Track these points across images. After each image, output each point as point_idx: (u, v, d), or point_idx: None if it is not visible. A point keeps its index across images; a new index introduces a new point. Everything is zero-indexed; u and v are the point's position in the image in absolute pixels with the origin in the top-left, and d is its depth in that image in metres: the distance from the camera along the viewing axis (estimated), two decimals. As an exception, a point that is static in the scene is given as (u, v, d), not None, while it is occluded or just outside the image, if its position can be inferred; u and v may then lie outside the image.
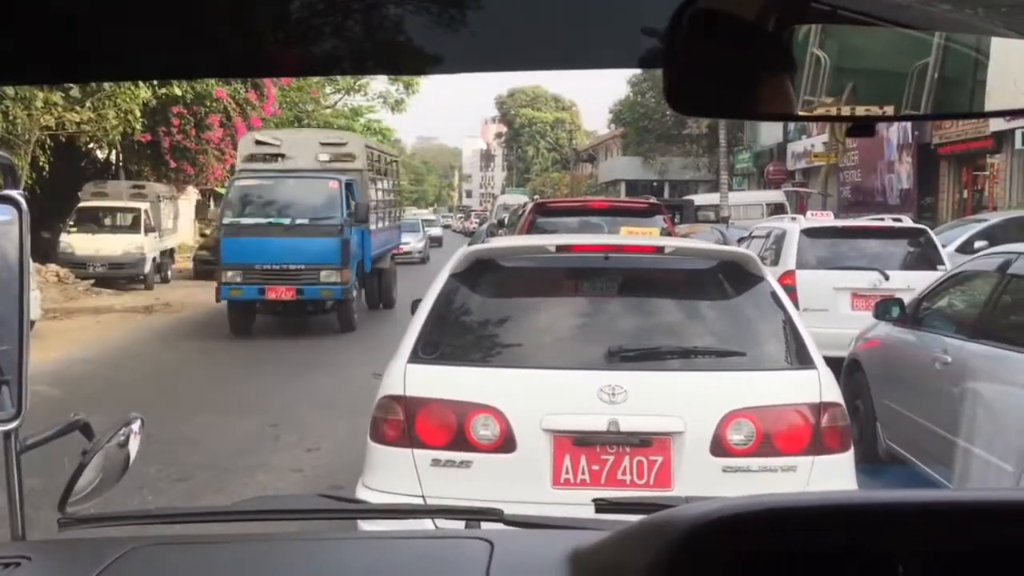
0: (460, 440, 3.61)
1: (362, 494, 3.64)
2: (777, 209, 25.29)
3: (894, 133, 26.18)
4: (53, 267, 20.05)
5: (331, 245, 13.80)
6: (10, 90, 15.62)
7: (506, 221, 22.74)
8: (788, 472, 3.57)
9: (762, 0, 1.05)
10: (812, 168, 31.96)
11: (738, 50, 1.03)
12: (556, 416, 3.60)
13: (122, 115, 19.84)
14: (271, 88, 26.59)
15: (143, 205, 22.68)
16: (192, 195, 31.68)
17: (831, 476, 3.59)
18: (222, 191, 22.25)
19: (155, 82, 19.36)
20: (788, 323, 3.91)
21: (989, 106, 1.13)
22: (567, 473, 3.57)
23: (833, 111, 1.11)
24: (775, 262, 9.81)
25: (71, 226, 21.71)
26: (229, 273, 13.70)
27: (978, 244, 12.36)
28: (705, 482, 3.49)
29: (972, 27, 1.11)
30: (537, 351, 3.92)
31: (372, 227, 15.63)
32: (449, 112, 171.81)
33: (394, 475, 3.66)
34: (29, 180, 19.06)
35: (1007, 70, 1.09)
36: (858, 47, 1.11)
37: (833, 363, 4.21)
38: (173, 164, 26.09)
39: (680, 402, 3.65)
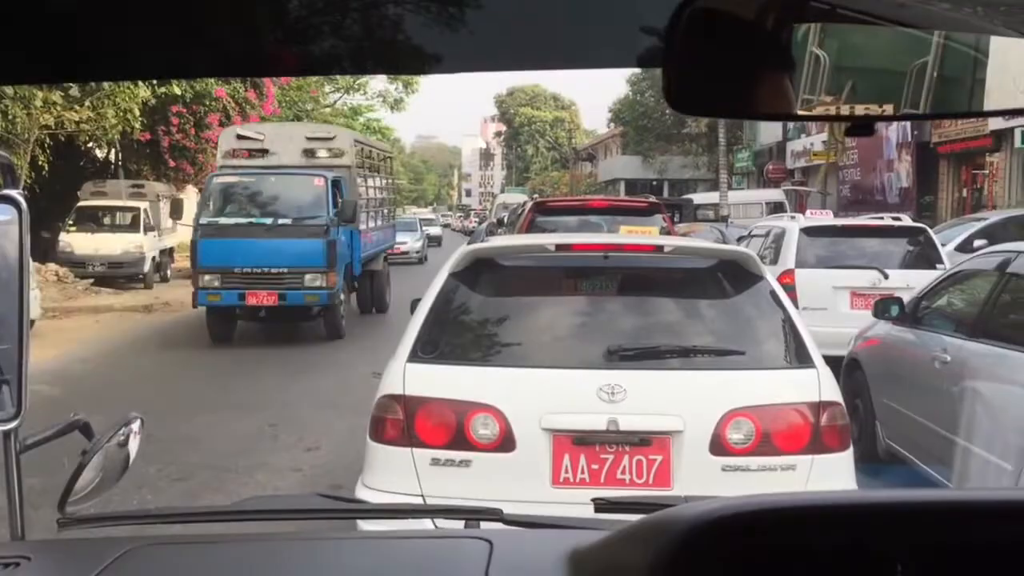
0: (459, 439, 3.61)
1: (361, 493, 3.65)
2: (776, 208, 25.34)
3: (893, 132, 26.20)
4: (52, 266, 20.04)
5: (316, 247, 12.96)
6: (9, 89, 15.61)
7: (505, 220, 22.68)
8: (787, 471, 3.57)
9: (761, -1, 1.05)
10: (811, 167, 32.00)
11: (737, 49, 1.03)
12: (555, 415, 3.60)
13: (121, 114, 19.82)
14: (270, 87, 26.57)
15: (142, 204, 22.68)
16: (192, 194, 31.67)
17: (830, 475, 3.59)
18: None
19: (154, 81, 19.33)
20: (787, 322, 3.91)
21: (988, 105, 1.13)
22: (566, 472, 3.57)
23: (832, 110, 1.11)
24: (774, 261, 9.82)
25: (70, 225, 21.70)
26: (206, 277, 12.86)
27: (977, 243, 12.36)
28: (704, 481, 3.50)
29: (971, 26, 1.11)
30: (536, 350, 3.92)
31: (362, 227, 14.98)
32: (448, 111, 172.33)
33: (393, 474, 3.67)
34: (28, 179, 19.05)
35: (1006, 69, 1.09)
36: (857, 46, 1.11)
37: (832, 362, 4.21)
38: (172, 163, 26.08)
39: (679, 401, 3.65)
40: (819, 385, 3.68)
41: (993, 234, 12.95)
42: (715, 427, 3.55)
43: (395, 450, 3.67)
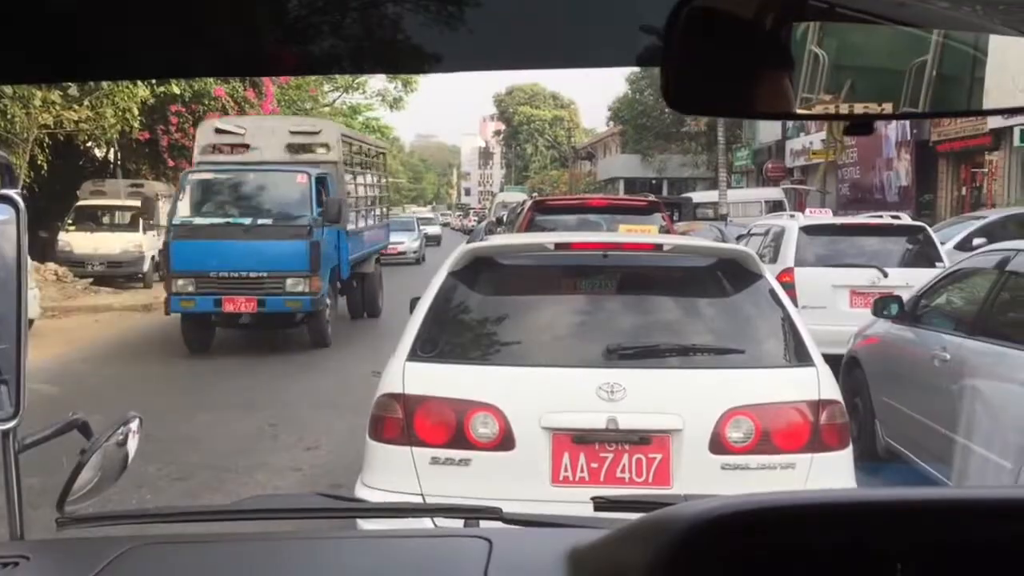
0: (459, 438, 3.61)
1: (361, 492, 3.65)
2: (776, 206, 25.38)
3: (892, 130, 26.19)
4: (51, 266, 20.02)
5: (298, 248, 12.00)
6: (8, 89, 15.59)
7: (504, 219, 22.67)
8: (787, 470, 3.57)
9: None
10: (811, 165, 31.98)
11: (736, 48, 1.03)
12: (555, 414, 3.60)
13: (120, 113, 19.80)
14: (269, 86, 26.54)
15: (140, 202, 22.68)
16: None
17: (830, 473, 3.59)
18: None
19: (153, 81, 19.31)
20: (787, 321, 3.91)
21: (987, 104, 1.13)
22: (566, 471, 3.57)
23: (831, 109, 1.11)
24: (774, 260, 9.82)
25: (69, 225, 21.70)
26: (180, 282, 11.99)
27: (976, 241, 12.36)
28: (704, 480, 3.50)
29: (970, 24, 1.11)
30: (536, 349, 3.92)
31: (351, 227, 14.04)
32: (448, 110, 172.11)
33: (393, 473, 3.67)
34: (27, 179, 19.03)
35: (1005, 68, 1.09)
36: (856, 45, 1.11)
37: (832, 360, 4.21)
38: (171, 163, 26.05)
39: (679, 400, 3.65)
40: (818, 384, 3.68)
41: (992, 232, 12.96)
42: (715, 426, 3.56)
43: (395, 449, 3.67)
